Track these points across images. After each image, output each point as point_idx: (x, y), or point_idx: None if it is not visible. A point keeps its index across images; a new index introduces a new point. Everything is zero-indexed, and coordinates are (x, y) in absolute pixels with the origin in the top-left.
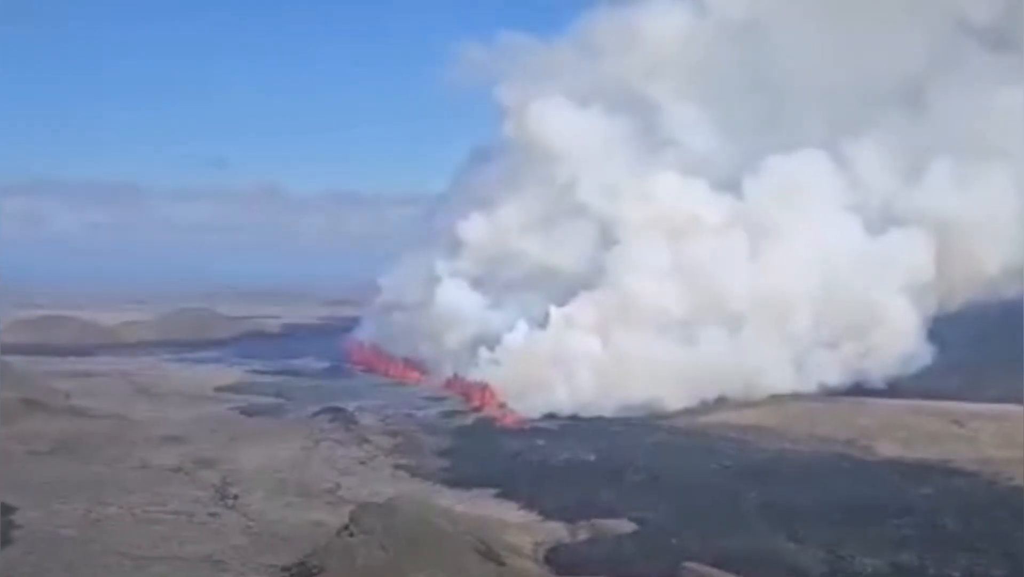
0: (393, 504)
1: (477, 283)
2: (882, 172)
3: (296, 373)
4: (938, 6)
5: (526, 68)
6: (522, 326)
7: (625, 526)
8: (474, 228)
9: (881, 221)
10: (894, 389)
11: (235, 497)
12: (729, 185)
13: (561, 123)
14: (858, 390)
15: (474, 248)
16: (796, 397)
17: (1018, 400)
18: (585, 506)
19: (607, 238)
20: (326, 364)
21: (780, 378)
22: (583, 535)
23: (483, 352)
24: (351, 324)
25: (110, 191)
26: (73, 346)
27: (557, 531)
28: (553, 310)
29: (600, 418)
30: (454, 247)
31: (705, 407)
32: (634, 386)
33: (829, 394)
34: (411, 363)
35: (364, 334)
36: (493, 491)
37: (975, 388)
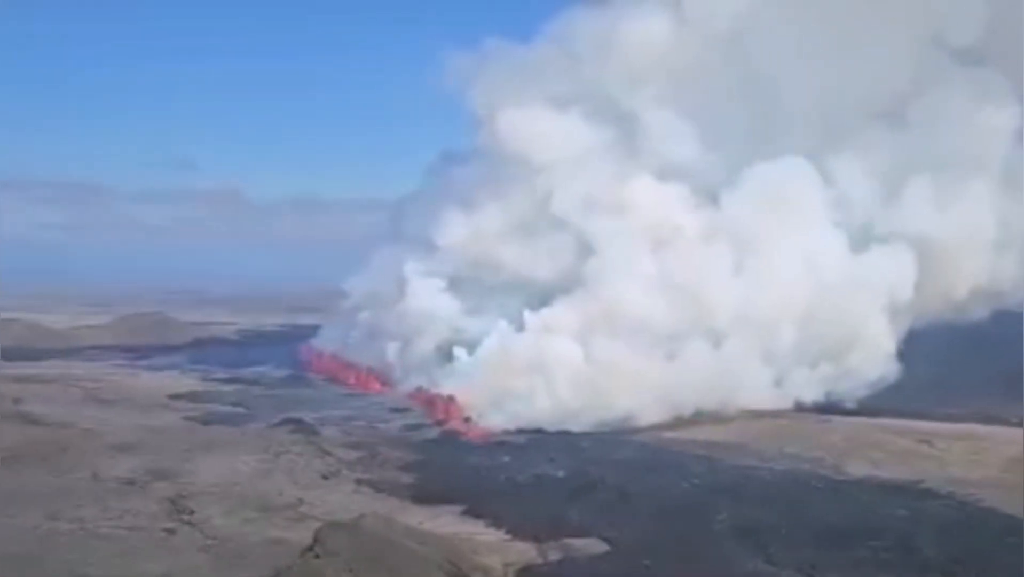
0: (359, 523)
1: (450, 285)
2: (863, 188)
3: (254, 381)
4: (920, 23)
5: (501, 73)
6: (492, 335)
7: (596, 546)
8: (449, 228)
9: (863, 238)
10: (860, 407)
11: (191, 512)
12: (710, 195)
13: (536, 129)
14: (825, 408)
15: (447, 249)
16: (762, 414)
17: (982, 419)
18: (555, 524)
19: (584, 247)
20: (285, 372)
21: (757, 396)
22: (554, 555)
23: (451, 362)
24: (310, 332)
25: (66, 190)
26: (22, 350)
27: (527, 551)
28: (527, 316)
29: (567, 432)
30: (426, 248)
31: (672, 423)
32: (607, 400)
33: (797, 411)
34: (373, 373)
35: (325, 342)
36: (460, 508)
37: (940, 406)
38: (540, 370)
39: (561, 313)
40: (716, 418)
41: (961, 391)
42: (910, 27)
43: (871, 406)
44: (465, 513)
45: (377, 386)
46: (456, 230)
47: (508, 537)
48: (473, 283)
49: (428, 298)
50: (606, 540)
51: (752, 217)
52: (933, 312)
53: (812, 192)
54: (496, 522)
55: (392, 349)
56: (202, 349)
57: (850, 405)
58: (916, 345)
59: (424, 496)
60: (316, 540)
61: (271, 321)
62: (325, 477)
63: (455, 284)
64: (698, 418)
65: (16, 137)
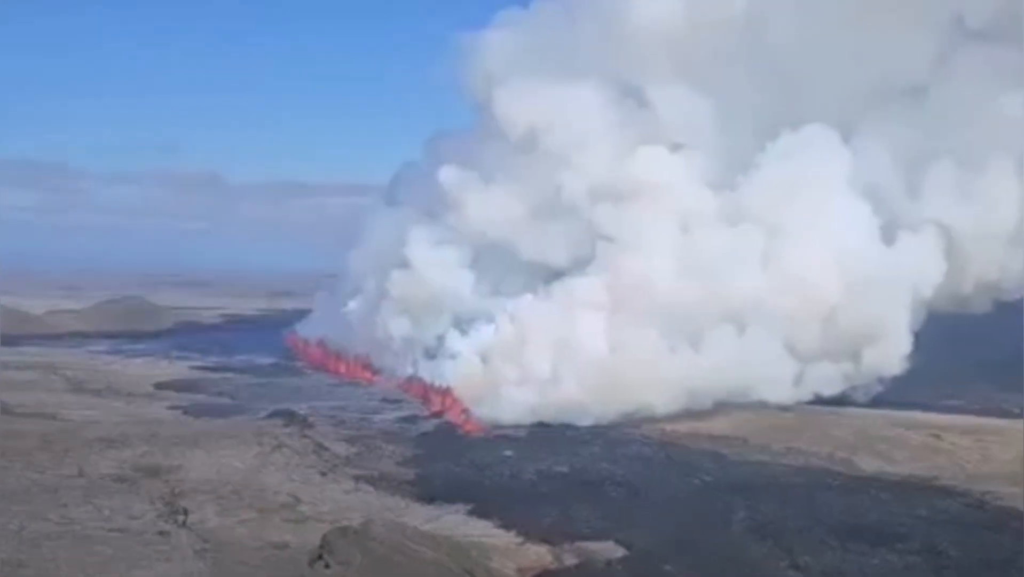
0: (368, 528)
1: (458, 252)
2: (886, 173)
3: (240, 370)
4: (938, 2)
5: (504, 47)
6: (500, 316)
7: (612, 550)
8: (459, 199)
9: (889, 225)
10: (864, 400)
11: (185, 512)
12: (728, 175)
13: (543, 107)
14: (828, 400)
15: (459, 223)
16: (766, 407)
17: (987, 412)
18: (566, 526)
19: (597, 232)
20: (271, 360)
21: (776, 389)
22: (570, 560)
23: (449, 342)
24: (293, 317)
25: (42, 171)
26: None
27: (542, 556)
28: (541, 294)
29: (569, 426)
30: (434, 219)
31: (672, 416)
32: (624, 389)
33: (801, 404)
34: (363, 361)
35: (312, 328)
36: (465, 507)
37: (945, 398)
38: (553, 355)
39: (582, 288)
40: (718, 411)
41: (963, 383)
42: (928, 7)
43: (875, 398)
44: (471, 513)
45: (368, 375)
46: (469, 205)
47: (519, 540)
48: (486, 261)
49: (439, 269)
50: (622, 543)
51: (776, 199)
52: (949, 303)
53: (838, 172)
54: (505, 523)
55: (389, 329)
56: (184, 335)
57: (855, 398)
58: (918, 337)
59: (426, 494)
60: (324, 547)
61: (252, 306)
62: (322, 473)
63: (466, 259)
64: (700, 411)
65: None
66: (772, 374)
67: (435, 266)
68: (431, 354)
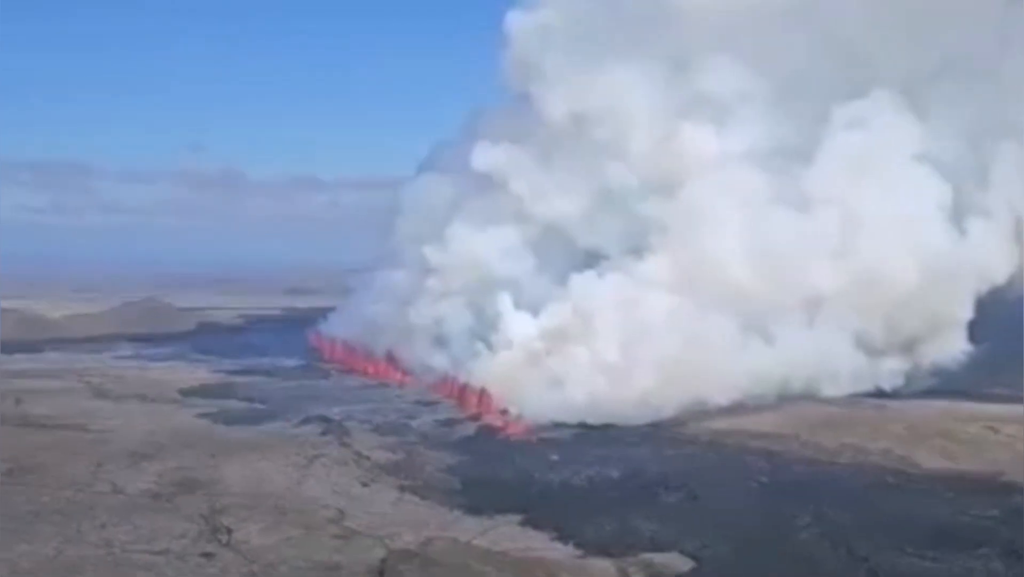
0: (429, 549)
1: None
2: (956, 151)
3: (266, 373)
4: None
5: (533, 28)
6: (550, 305)
7: (679, 562)
8: (507, 163)
9: (958, 211)
10: (911, 390)
11: (228, 531)
12: (792, 157)
13: (587, 93)
14: (875, 392)
15: (507, 190)
16: (810, 400)
17: None
18: (626, 537)
19: (650, 218)
20: (297, 362)
21: (839, 384)
22: (636, 575)
23: (500, 329)
24: (313, 315)
25: (56, 171)
26: (17, 342)
27: (606, 571)
28: (575, 281)
29: (612, 426)
30: (478, 189)
31: (716, 412)
32: (685, 384)
33: (848, 396)
34: (392, 361)
35: (337, 327)
36: (516, 518)
37: (996, 387)
38: (619, 343)
39: (612, 283)
40: (763, 408)
41: (1012, 371)
42: None
43: (922, 389)
44: (524, 523)
45: (398, 376)
46: (523, 185)
47: (580, 553)
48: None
49: (493, 250)
50: (688, 555)
51: (845, 178)
52: (1004, 293)
53: (908, 146)
54: (561, 534)
55: (427, 317)
56: (205, 337)
57: (903, 389)
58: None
59: (475, 504)
60: (384, 574)
61: (271, 304)
62: (364, 484)
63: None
64: (745, 408)
65: (2, 118)
66: (839, 369)
67: (489, 246)
68: (471, 346)
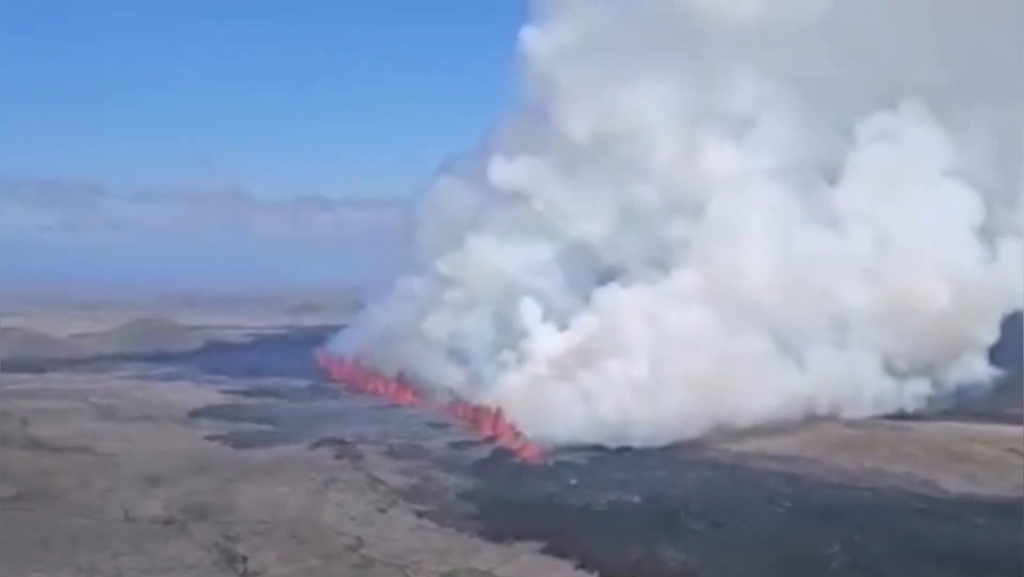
0: None
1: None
2: (983, 172)
3: (275, 393)
4: None
5: (554, 42)
6: (578, 319)
7: None
8: (530, 176)
9: (989, 230)
10: (928, 411)
11: (244, 559)
12: (821, 172)
13: (609, 111)
14: (893, 413)
15: (530, 203)
16: (828, 421)
17: None
18: (652, 566)
19: (675, 235)
20: (306, 382)
21: (861, 406)
22: None
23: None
24: (319, 334)
25: (63, 190)
26: (22, 361)
27: None
28: (600, 294)
29: (629, 449)
30: (496, 198)
31: (734, 434)
32: (714, 403)
33: (865, 417)
34: (403, 381)
35: (345, 346)
36: (538, 545)
37: (1010, 407)
38: (648, 359)
39: (636, 297)
40: (780, 429)
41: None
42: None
43: (940, 410)
44: (547, 551)
45: (408, 396)
46: (547, 199)
47: None
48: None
49: (518, 262)
50: None
51: (875, 195)
52: None
53: (938, 160)
54: (585, 563)
55: (441, 332)
56: (212, 356)
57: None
58: None
59: (495, 530)
60: None
61: (275, 323)
62: (381, 510)
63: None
64: (764, 429)
65: (9, 136)
66: (864, 391)
67: (513, 260)
68: (493, 360)
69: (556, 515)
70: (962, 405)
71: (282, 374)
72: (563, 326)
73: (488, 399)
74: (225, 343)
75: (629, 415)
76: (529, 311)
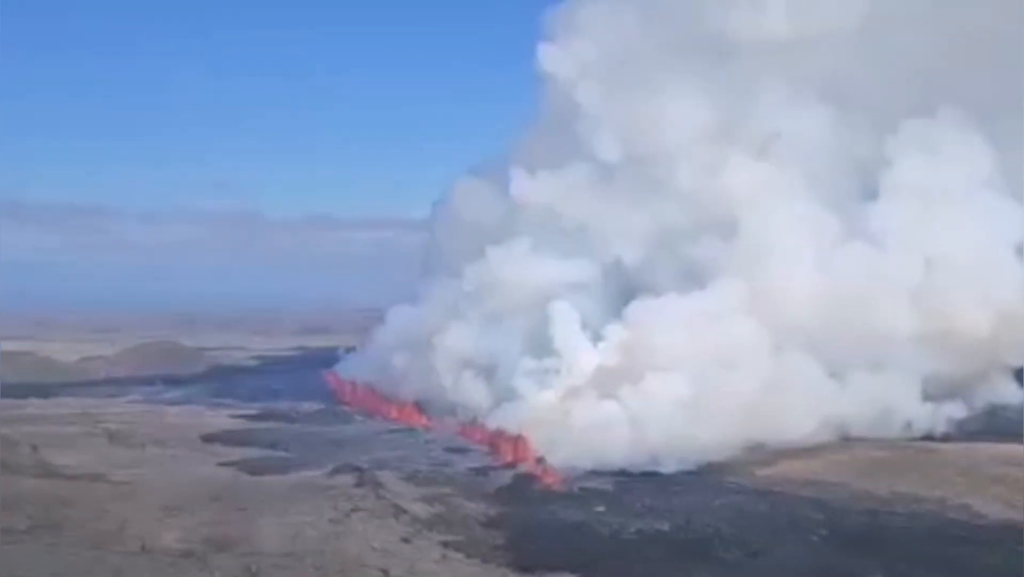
0: None
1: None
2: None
3: (287, 418)
4: None
5: (577, 57)
6: (605, 340)
7: None
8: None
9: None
10: (961, 432)
11: None
12: (852, 187)
13: (638, 132)
14: (924, 435)
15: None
16: (858, 442)
17: None
18: None
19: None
20: (317, 405)
21: (895, 428)
22: None
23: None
24: (326, 355)
25: (72, 213)
26: (31, 385)
27: None
28: (633, 309)
29: (655, 474)
30: (518, 215)
31: (760, 459)
32: (758, 425)
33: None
34: (416, 405)
35: (356, 369)
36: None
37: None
38: (692, 380)
39: (662, 316)
40: (807, 452)
41: None
42: None
43: (970, 431)
44: None
45: (423, 420)
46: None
47: None
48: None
49: (520, 258)
50: None
51: (914, 214)
52: None
53: (978, 172)
54: None
55: (465, 352)
56: (221, 379)
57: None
58: None
59: (523, 561)
60: None
61: (283, 344)
62: (406, 540)
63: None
64: (790, 451)
65: (20, 158)
66: (900, 413)
67: (546, 275)
68: (525, 375)
69: (585, 544)
70: (991, 426)
71: (293, 397)
72: (597, 341)
73: (517, 415)
74: (234, 365)
75: (671, 433)
76: (565, 318)
